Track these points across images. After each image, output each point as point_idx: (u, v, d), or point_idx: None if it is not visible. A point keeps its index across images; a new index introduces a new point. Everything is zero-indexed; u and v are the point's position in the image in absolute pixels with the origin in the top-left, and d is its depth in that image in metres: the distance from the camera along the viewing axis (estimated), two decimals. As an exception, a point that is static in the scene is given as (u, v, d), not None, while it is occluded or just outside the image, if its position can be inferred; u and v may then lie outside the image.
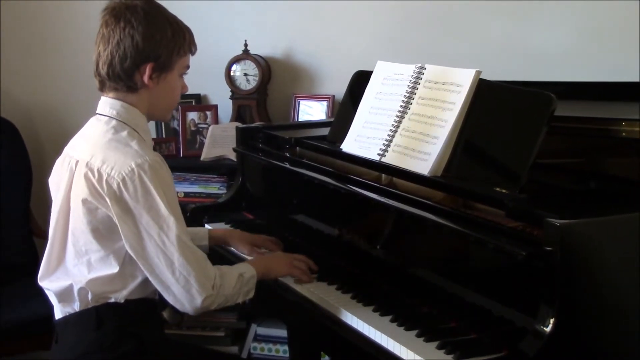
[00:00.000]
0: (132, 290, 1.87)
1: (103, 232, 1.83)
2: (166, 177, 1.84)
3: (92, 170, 1.80)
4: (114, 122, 1.88)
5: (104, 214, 1.81)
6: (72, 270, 1.89)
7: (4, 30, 3.67)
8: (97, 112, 1.93)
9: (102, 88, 1.92)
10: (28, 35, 3.72)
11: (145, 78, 1.87)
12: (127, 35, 1.83)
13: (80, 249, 1.86)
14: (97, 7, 1.90)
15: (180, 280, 1.80)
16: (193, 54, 1.97)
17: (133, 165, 1.78)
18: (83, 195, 1.81)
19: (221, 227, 2.50)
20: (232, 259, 2.24)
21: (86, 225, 1.83)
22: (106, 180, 1.78)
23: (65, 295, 1.89)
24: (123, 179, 1.77)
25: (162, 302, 1.96)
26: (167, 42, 1.87)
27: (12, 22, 3.68)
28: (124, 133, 1.86)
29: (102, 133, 1.87)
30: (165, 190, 1.80)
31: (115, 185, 1.77)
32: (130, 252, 1.81)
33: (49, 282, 1.93)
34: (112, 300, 1.86)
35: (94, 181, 1.80)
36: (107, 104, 1.91)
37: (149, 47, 1.85)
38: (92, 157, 1.82)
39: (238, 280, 1.91)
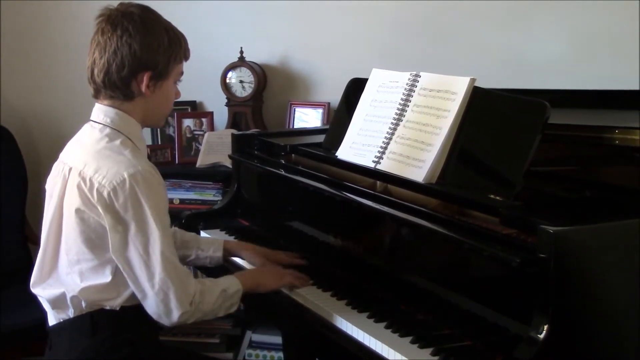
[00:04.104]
0: (127, 298, 1.86)
1: (96, 241, 1.82)
2: (158, 188, 1.83)
3: (84, 180, 1.80)
4: (107, 130, 1.87)
5: (96, 223, 1.80)
6: (64, 279, 1.88)
7: (3, 37, 3.67)
8: (91, 118, 1.91)
9: (97, 95, 1.91)
10: (25, 43, 3.72)
11: (143, 87, 1.86)
12: (125, 44, 1.82)
13: (72, 258, 1.85)
14: (95, 15, 1.88)
15: (159, 294, 1.80)
16: (187, 60, 1.96)
17: (125, 175, 1.77)
18: (76, 205, 1.81)
19: (216, 233, 2.51)
20: (231, 269, 2.24)
21: (79, 234, 1.82)
22: (97, 188, 1.77)
23: (58, 302, 1.88)
24: (114, 188, 1.76)
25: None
26: (165, 50, 1.86)
27: (10, 29, 3.68)
28: (118, 141, 1.85)
29: (95, 141, 1.86)
30: (156, 202, 1.80)
31: (105, 194, 1.77)
32: (114, 258, 1.80)
33: (42, 290, 1.92)
34: (107, 307, 1.86)
35: (86, 190, 1.79)
36: (101, 111, 1.89)
37: (146, 56, 1.83)
38: (85, 166, 1.81)
39: (220, 295, 1.91)
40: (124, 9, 1.86)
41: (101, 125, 1.88)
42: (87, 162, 1.82)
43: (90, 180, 1.79)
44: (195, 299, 1.84)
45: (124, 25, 1.82)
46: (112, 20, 1.84)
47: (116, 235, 1.78)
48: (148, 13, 1.88)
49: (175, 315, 1.82)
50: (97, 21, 1.87)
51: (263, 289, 2.03)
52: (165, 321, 1.85)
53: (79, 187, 1.80)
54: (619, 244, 1.54)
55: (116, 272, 1.84)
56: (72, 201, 1.82)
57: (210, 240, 2.27)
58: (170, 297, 1.80)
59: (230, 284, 1.95)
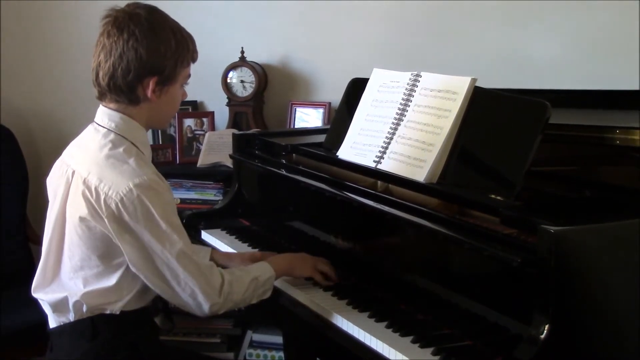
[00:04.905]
0: (128, 301, 1.86)
1: (102, 248, 1.81)
2: (165, 195, 1.81)
3: (89, 189, 1.78)
4: (112, 135, 1.84)
5: (102, 232, 1.79)
6: (67, 283, 1.88)
7: (3, 37, 3.68)
8: (95, 121, 1.90)
9: (102, 98, 1.88)
10: (25, 43, 3.73)
11: (149, 92, 1.83)
12: (131, 48, 1.78)
13: (76, 264, 1.85)
14: (97, 15, 1.85)
15: (186, 290, 1.81)
16: (195, 62, 1.93)
17: (131, 185, 1.75)
18: (81, 213, 1.79)
19: (217, 233, 2.51)
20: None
21: (84, 241, 1.81)
22: (104, 200, 1.76)
23: (59, 306, 1.88)
24: (121, 199, 1.75)
25: (155, 309, 1.96)
26: (172, 54, 1.82)
27: (11, 29, 3.69)
28: (121, 149, 1.82)
29: (99, 147, 1.83)
30: (165, 208, 1.79)
31: (113, 206, 1.75)
32: (133, 268, 1.81)
33: (44, 294, 1.92)
34: (108, 311, 1.85)
35: (92, 200, 1.77)
36: (105, 114, 1.87)
37: (153, 61, 1.80)
38: (89, 174, 1.80)
39: (250, 284, 1.91)
40: (131, 10, 1.82)
41: (105, 130, 1.86)
42: (90, 170, 1.80)
43: (96, 190, 1.77)
44: (224, 290, 1.85)
45: (130, 28, 1.79)
46: (119, 22, 1.80)
47: (128, 247, 1.78)
48: (155, 15, 1.84)
49: (206, 308, 1.84)
50: (103, 22, 1.83)
51: (298, 273, 2.05)
52: (198, 313, 1.87)
53: (84, 196, 1.79)
54: (619, 244, 1.54)
55: (120, 277, 1.84)
56: (77, 208, 1.81)
57: (197, 248, 2.21)
58: (197, 293, 1.82)
59: (263, 272, 1.96)
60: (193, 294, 1.82)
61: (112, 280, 1.84)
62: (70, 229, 1.84)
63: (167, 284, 1.81)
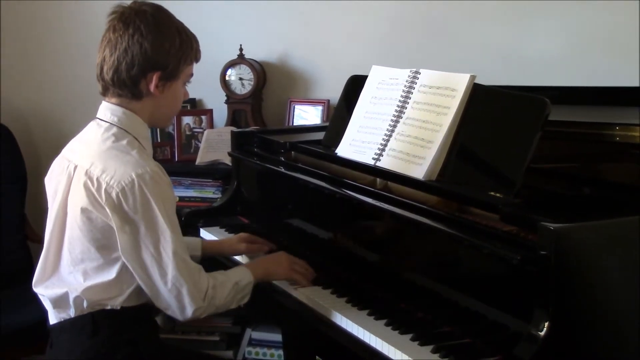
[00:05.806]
0: (128, 296, 1.86)
1: (102, 240, 1.82)
2: (166, 189, 1.83)
3: (91, 179, 1.79)
4: (114, 129, 1.86)
5: (103, 222, 1.79)
6: (67, 278, 1.88)
7: (3, 37, 3.67)
8: (97, 116, 1.91)
9: (105, 93, 1.90)
10: (25, 42, 3.72)
11: (152, 86, 1.85)
12: (136, 43, 1.81)
13: (76, 257, 1.85)
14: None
15: (172, 291, 1.81)
16: (197, 62, 1.96)
17: (133, 176, 1.76)
18: (82, 204, 1.80)
19: (216, 231, 2.50)
20: (229, 265, 2.24)
21: (85, 233, 1.82)
22: (105, 189, 1.77)
23: (60, 302, 1.88)
24: (122, 189, 1.76)
25: (156, 308, 1.96)
26: (176, 51, 1.86)
27: (11, 29, 3.68)
28: (124, 141, 1.84)
29: (102, 140, 1.85)
30: (164, 202, 1.80)
31: (114, 195, 1.76)
32: (124, 259, 1.81)
33: (44, 289, 1.92)
34: (108, 307, 1.86)
35: (93, 190, 1.78)
36: (108, 109, 1.89)
37: (157, 56, 1.83)
38: (91, 165, 1.81)
39: (232, 288, 1.92)
40: (137, 7, 1.86)
41: (108, 124, 1.87)
42: (93, 162, 1.82)
43: (98, 180, 1.78)
44: (208, 294, 1.86)
45: (136, 24, 1.82)
46: (125, 18, 1.83)
47: (125, 236, 1.78)
48: (161, 13, 1.87)
49: (189, 311, 1.84)
50: (109, 18, 1.86)
51: (273, 277, 2.05)
52: (179, 317, 1.86)
53: (85, 187, 1.80)
54: (619, 241, 1.54)
55: (120, 270, 1.84)
56: (78, 200, 1.82)
57: (188, 240, 2.21)
58: (184, 294, 1.81)
59: (242, 276, 1.96)
60: (179, 295, 1.81)
61: (112, 274, 1.84)
62: (72, 222, 1.85)
63: (153, 281, 1.81)
